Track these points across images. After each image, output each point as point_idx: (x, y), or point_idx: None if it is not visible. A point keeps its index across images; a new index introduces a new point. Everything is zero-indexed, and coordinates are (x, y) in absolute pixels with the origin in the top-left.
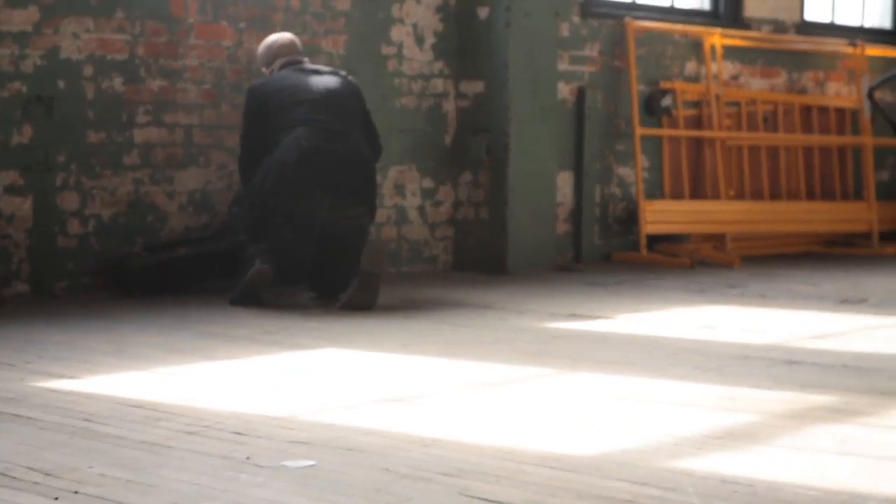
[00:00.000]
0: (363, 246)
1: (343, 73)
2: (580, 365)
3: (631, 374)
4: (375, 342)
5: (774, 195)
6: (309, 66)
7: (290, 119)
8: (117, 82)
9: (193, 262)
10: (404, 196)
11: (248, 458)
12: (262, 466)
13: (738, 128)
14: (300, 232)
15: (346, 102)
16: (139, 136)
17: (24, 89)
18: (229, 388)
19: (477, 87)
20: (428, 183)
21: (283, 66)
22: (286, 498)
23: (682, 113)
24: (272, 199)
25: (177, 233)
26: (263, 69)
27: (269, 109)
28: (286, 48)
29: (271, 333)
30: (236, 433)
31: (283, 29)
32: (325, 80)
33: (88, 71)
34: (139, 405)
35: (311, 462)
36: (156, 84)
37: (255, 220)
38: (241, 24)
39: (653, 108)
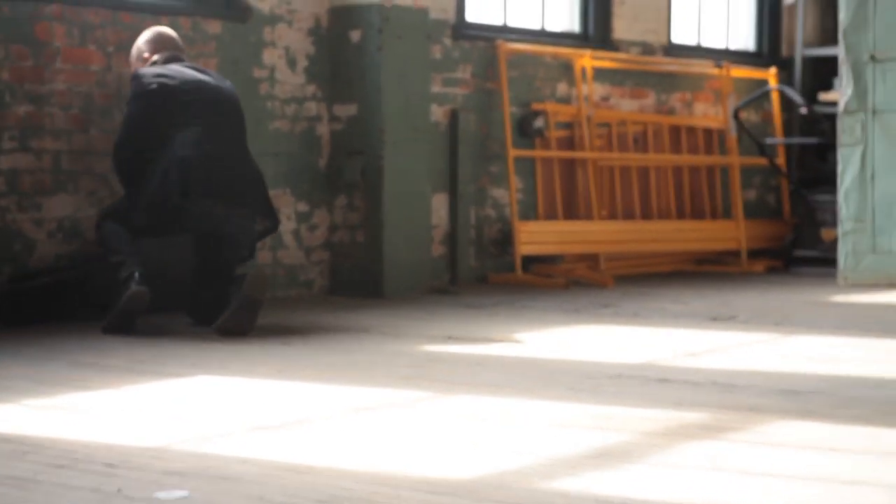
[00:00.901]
0: (245, 262)
1: (227, 80)
2: (456, 387)
3: (507, 396)
4: (250, 369)
5: (646, 215)
6: (195, 65)
7: (189, 117)
8: None
9: (58, 290)
10: (280, 222)
11: (119, 489)
12: (133, 498)
13: (609, 148)
14: (196, 236)
15: (237, 109)
16: (5, 162)
17: None
18: (100, 419)
19: (350, 109)
20: (303, 207)
21: (167, 60)
22: None
23: (555, 134)
24: (176, 198)
25: (46, 261)
26: (146, 55)
27: (172, 103)
28: (172, 42)
29: (144, 362)
30: (107, 465)
31: None
32: (220, 83)
33: None
34: (5, 439)
35: (183, 492)
36: (22, 109)
37: (149, 220)
38: (110, 49)
39: (525, 130)
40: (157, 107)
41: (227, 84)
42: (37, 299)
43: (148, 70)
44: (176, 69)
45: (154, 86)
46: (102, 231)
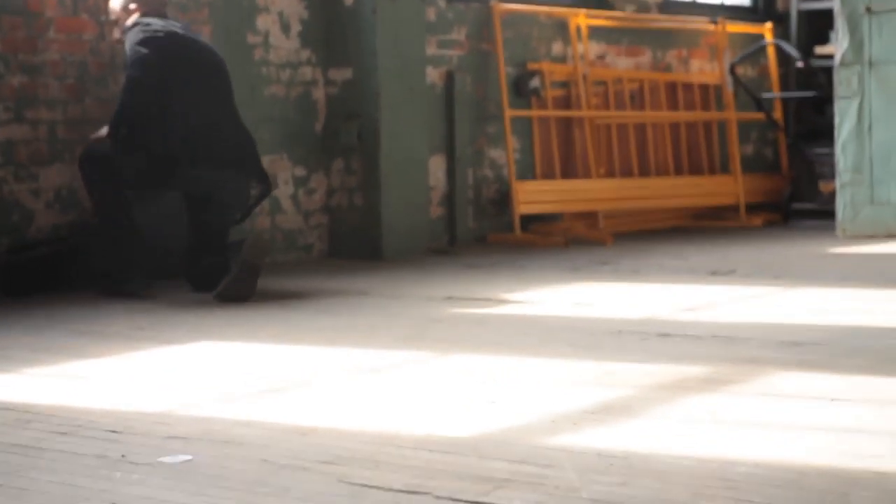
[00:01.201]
0: (240, 226)
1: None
2: (457, 347)
3: (508, 355)
4: (251, 333)
5: (644, 172)
6: (183, 23)
7: (189, 77)
8: None
9: (56, 260)
10: (277, 185)
11: (123, 455)
12: (137, 464)
13: (606, 106)
14: (190, 201)
15: (227, 73)
16: (0, 133)
17: None
18: (102, 386)
19: (345, 73)
20: (300, 171)
21: (158, 16)
22: (163, 494)
23: (551, 94)
24: (178, 165)
25: (44, 231)
26: (132, 6)
27: (175, 58)
28: None
29: (143, 329)
30: (110, 431)
31: None
32: (211, 49)
33: None
34: (8, 407)
35: (187, 457)
36: (16, 80)
37: (145, 179)
38: (103, 17)
39: (521, 90)
40: (165, 55)
41: (214, 48)
42: (35, 270)
43: (151, 28)
44: (174, 25)
45: (162, 35)
46: (94, 188)
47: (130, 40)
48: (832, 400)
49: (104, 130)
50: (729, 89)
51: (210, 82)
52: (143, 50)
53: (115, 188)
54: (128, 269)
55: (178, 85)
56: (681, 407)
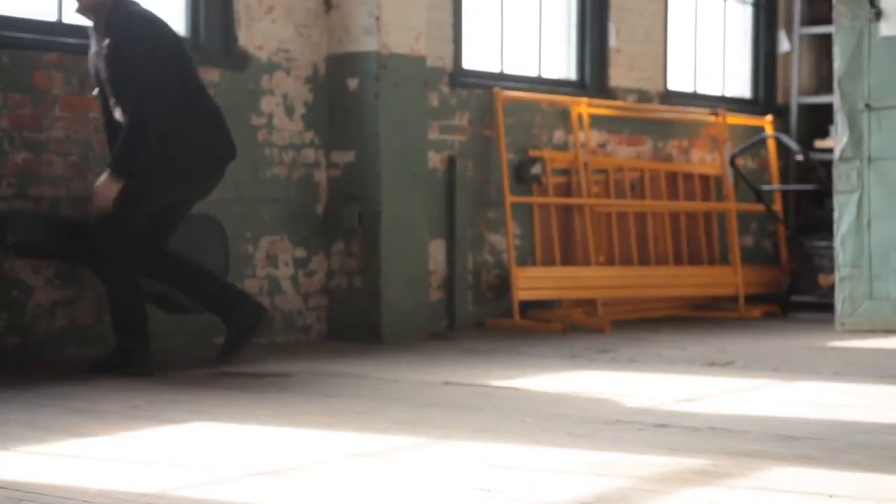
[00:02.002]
0: None
1: None
2: (454, 433)
3: (504, 442)
4: (248, 414)
5: (643, 260)
6: None
7: (189, 60)
8: None
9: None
10: (276, 266)
11: None
12: None
13: (607, 195)
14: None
15: None
16: (3, 209)
17: None
18: (96, 465)
19: (348, 156)
20: (300, 253)
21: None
22: None
23: (552, 181)
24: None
25: (44, 307)
26: None
27: (178, 54)
28: None
29: (139, 408)
30: None
31: None
32: None
33: None
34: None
35: None
36: (20, 156)
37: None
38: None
39: (522, 176)
40: (172, 58)
41: None
42: (54, 236)
43: (139, 9)
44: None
45: (171, 39)
46: (125, 295)
47: (133, 29)
48: (830, 496)
49: (103, 178)
50: (729, 180)
51: (194, 65)
52: (160, 54)
53: (130, 275)
54: (140, 349)
55: (190, 71)
56: (677, 500)
